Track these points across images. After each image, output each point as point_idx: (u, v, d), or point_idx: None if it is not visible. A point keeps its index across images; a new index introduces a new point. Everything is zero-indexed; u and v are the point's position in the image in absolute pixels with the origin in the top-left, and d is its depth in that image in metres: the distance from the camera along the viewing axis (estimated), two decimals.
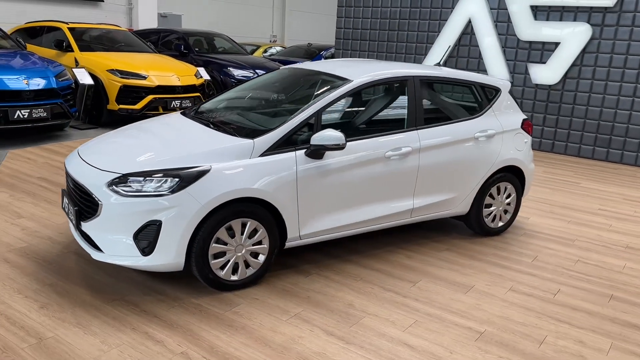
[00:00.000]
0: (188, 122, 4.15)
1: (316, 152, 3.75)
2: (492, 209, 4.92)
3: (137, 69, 9.11)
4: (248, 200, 3.55)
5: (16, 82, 7.26)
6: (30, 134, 8.18)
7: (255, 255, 3.70)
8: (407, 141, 4.24)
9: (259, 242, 3.68)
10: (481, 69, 9.83)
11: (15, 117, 7.23)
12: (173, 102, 9.28)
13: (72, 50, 9.63)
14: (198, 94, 9.76)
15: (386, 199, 4.23)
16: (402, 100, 4.47)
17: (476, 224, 4.89)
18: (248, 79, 10.80)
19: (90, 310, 3.29)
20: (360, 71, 4.29)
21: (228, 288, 3.62)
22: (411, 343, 3.16)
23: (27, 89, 7.33)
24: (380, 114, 4.62)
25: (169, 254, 3.35)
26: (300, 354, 2.98)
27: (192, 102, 9.57)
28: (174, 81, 9.31)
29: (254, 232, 3.63)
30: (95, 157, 3.70)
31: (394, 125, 4.32)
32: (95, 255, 3.46)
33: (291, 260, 4.18)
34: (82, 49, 9.70)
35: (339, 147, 3.74)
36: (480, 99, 4.87)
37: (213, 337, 3.08)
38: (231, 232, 3.53)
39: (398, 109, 4.54)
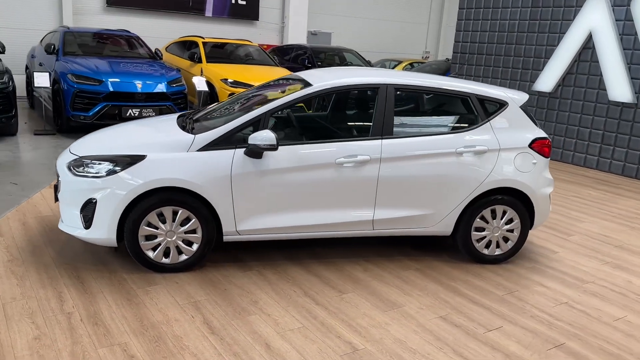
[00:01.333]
0: (171, 121, 4.57)
1: (252, 152, 3.90)
2: (484, 233, 4.47)
3: (246, 79, 9.96)
4: (179, 190, 3.85)
5: (131, 85, 8.55)
6: None
7: (189, 243, 3.97)
8: (366, 150, 4.13)
9: (193, 231, 3.94)
10: (601, 87, 8.69)
11: (128, 114, 8.52)
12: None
13: (201, 62, 10.91)
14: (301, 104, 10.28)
15: (341, 207, 4.16)
16: (389, 107, 4.32)
17: (464, 248, 4.49)
18: None
19: (42, 267, 3.90)
20: (330, 77, 4.31)
21: (158, 269, 3.96)
22: (274, 345, 3.15)
23: (139, 91, 8.59)
24: (345, 120, 4.54)
25: (103, 229, 3.81)
26: (160, 335, 3.17)
27: None
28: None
29: (187, 220, 3.91)
30: (79, 143, 4.34)
31: (358, 133, 4.24)
32: (59, 224, 4.07)
33: (244, 256, 4.35)
34: (210, 60, 10.91)
35: (272, 148, 3.84)
36: (475, 112, 4.47)
37: (105, 307, 3.44)
38: (163, 218, 3.87)
39: (366, 117, 4.42)
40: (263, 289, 3.84)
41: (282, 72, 10.83)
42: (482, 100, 4.50)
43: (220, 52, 11.47)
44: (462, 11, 10.99)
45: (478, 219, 4.43)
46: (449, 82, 4.51)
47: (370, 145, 4.15)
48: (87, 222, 3.84)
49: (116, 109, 8.41)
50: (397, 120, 4.30)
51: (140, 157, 3.83)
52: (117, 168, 3.79)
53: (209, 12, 15.11)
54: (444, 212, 4.35)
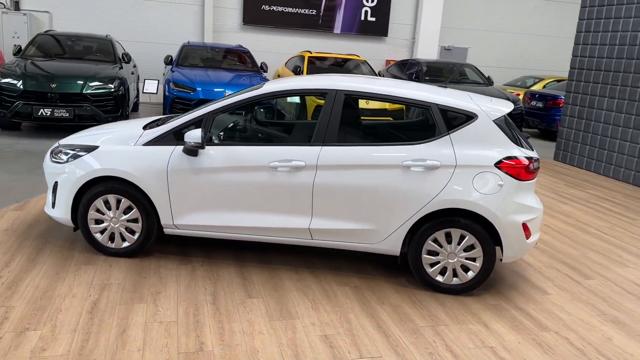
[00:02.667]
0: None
1: (187, 149, 4.06)
2: (438, 258, 4.02)
3: None
4: (123, 181, 4.17)
5: (219, 94, 9.28)
6: None
7: (132, 231, 4.27)
8: (302, 155, 4.01)
9: (135, 220, 4.23)
10: None
11: None
12: None
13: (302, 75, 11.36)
14: (389, 118, 10.12)
15: (276, 211, 4.10)
16: (335, 113, 4.15)
17: (416, 273, 4.08)
18: None
19: (23, 237, 4.52)
20: (285, 82, 4.28)
21: (105, 252, 4.32)
22: (130, 333, 3.25)
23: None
24: (294, 125, 4.41)
25: (61, 209, 4.29)
26: (46, 306, 3.48)
27: None
28: (363, 104, 9.94)
29: (129, 209, 4.21)
30: (76, 134, 4.92)
31: (301, 139, 4.14)
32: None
33: (193, 251, 4.51)
34: (311, 74, 11.30)
35: (198, 146, 3.96)
36: (436, 123, 4.05)
37: (33, 275, 3.88)
38: (109, 205, 4.23)
39: (313, 123, 4.27)
40: (178, 282, 3.95)
41: None
42: (445, 111, 4.06)
43: (324, 67, 11.79)
44: (581, 22, 9.80)
45: (430, 242, 3.99)
46: (408, 90, 4.16)
47: (307, 151, 4.03)
48: (53, 202, 4.35)
49: None
50: (346, 127, 4.10)
51: (94, 148, 4.24)
52: (77, 156, 4.24)
53: (337, 29, 15.60)
54: (389, 229, 4.01)
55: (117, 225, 4.26)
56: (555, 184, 8.04)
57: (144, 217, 4.20)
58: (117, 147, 4.21)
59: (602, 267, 4.84)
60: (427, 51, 16.12)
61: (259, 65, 11.24)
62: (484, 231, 3.92)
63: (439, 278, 4.06)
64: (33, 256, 4.21)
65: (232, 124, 4.35)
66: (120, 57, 10.12)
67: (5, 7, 13.41)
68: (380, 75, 12.83)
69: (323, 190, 4.01)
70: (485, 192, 3.89)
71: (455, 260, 4.01)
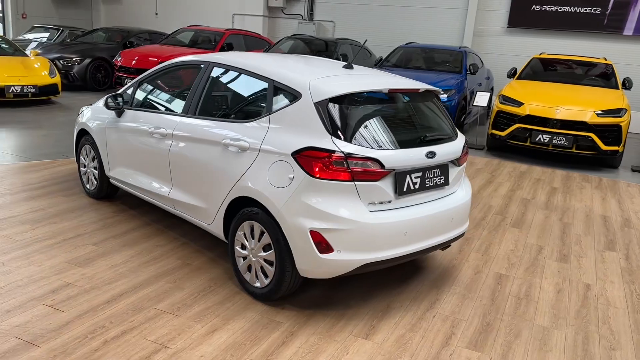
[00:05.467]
0: None
1: (106, 106, 4.67)
2: (245, 252, 3.57)
3: (521, 97, 8.65)
4: (87, 133, 5.13)
5: None
6: None
7: (94, 175, 5.17)
8: (167, 124, 4.16)
9: (95, 168, 5.12)
10: None
11: None
12: (541, 136, 8.27)
13: (514, 77, 10.01)
14: (590, 134, 8.07)
15: (153, 176, 4.35)
16: (201, 85, 4.12)
17: (233, 266, 3.71)
18: None
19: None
20: (185, 57, 4.42)
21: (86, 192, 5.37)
22: None
23: None
24: (179, 95, 4.38)
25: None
26: None
27: (570, 140, 8.10)
28: (552, 113, 8.22)
29: (93, 156, 5.12)
30: None
31: (180, 108, 4.22)
32: None
33: (174, 225, 5.11)
34: (530, 77, 9.83)
35: (115, 107, 4.59)
36: (268, 100, 3.54)
37: None
38: (87, 152, 5.23)
39: (198, 94, 4.16)
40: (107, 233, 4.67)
41: (594, 94, 8.67)
42: (278, 87, 3.52)
43: (551, 70, 10.01)
44: None
45: (239, 232, 3.58)
46: (263, 62, 3.76)
47: (172, 120, 4.15)
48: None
49: None
50: (207, 100, 4.00)
51: (81, 111, 5.34)
52: (81, 112, 5.41)
53: (629, 30, 12.78)
54: (212, 211, 3.78)
55: (87, 170, 5.23)
56: None
57: (99, 165, 5.03)
58: (94, 106, 5.16)
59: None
60: None
61: (467, 66, 10.41)
62: (278, 230, 3.30)
63: (247, 276, 3.59)
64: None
65: (148, 93, 4.70)
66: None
67: (302, 18, 16.07)
68: None
69: (174, 161, 4.07)
70: (276, 183, 3.27)
71: (255, 259, 3.49)
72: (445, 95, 9.18)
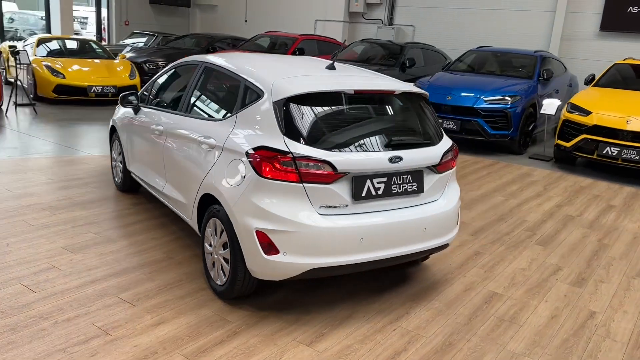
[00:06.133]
0: None
1: (122, 104, 4.93)
2: (211, 250, 3.61)
3: (589, 105, 7.93)
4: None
5: (444, 99, 8.91)
6: None
7: (119, 168, 5.48)
8: (164, 121, 4.32)
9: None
10: None
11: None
12: (609, 148, 7.53)
13: (591, 85, 9.24)
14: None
15: (155, 171, 4.53)
16: (192, 85, 4.23)
17: (204, 264, 3.77)
18: None
19: None
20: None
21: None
22: None
23: (447, 103, 8.86)
24: (178, 93, 4.47)
25: None
26: None
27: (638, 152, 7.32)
28: (623, 124, 7.45)
29: (119, 151, 5.43)
30: None
31: (179, 107, 4.36)
32: None
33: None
34: (606, 85, 9.03)
35: (132, 105, 4.85)
36: (239, 100, 3.55)
37: None
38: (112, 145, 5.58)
39: (190, 92, 4.26)
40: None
41: None
42: (247, 87, 3.52)
43: (634, 77, 9.09)
44: None
45: (208, 229, 3.63)
46: (242, 63, 3.78)
47: (168, 117, 4.30)
48: None
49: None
50: (196, 98, 4.11)
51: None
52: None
53: None
54: (190, 206, 3.87)
55: (115, 163, 5.56)
56: None
57: (123, 159, 5.33)
58: (125, 107, 5.47)
59: None
60: None
61: (540, 72, 9.71)
62: (232, 229, 3.30)
63: (212, 272, 3.62)
64: None
65: (158, 91, 4.86)
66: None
67: (382, 23, 15.93)
68: None
69: (167, 156, 4.22)
70: (231, 182, 3.29)
71: (217, 257, 3.51)
72: (508, 101, 8.65)
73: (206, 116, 3.85)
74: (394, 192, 3.34)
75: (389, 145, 3.33)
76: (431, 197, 3.56)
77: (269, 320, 3.32)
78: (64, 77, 10.32)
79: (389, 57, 11.44)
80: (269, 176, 3.08)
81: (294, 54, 12.35)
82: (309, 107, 3.25)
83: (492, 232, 5.14)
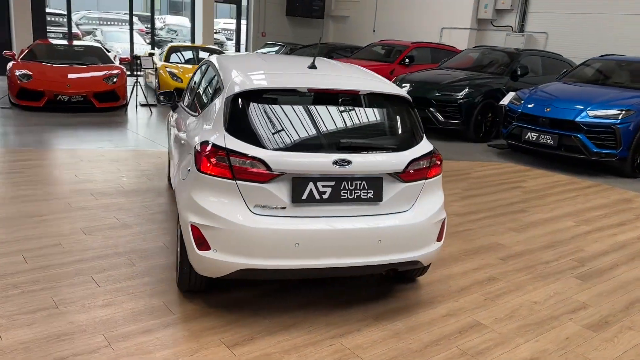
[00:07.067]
0: None
1: (160, 102, 5.23)
2: None
3: None
4: None
5: (542, 111, 8.06)
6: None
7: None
8: (181, 118, 4.50)
9: None
10: None
11: (526, 137, 8.24)
12: None
13: None
14: None
15: (173, 168, 4.75)
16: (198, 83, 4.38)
17: None
18: None
19: None
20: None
21: None
22: None
23: (544, 115, 8.02)
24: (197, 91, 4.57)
25: None
26: None
27: None
28: None
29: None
30: None
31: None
32: None
33: None
34: None
35: (169, 105, 5.15)
36: (211, 97, 3.60)
37: None
38: None
39: (194, 91, 4.39)
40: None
41: None
42: (218, 84, 3.55)
43: None
44: None
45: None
46: (229, 61, 3.80)
47: (183, 114, 4.47)
48: None
49: (526, 131, 8.22)
50: (196, 96, 4.24)
51: None
52: None
53: None
54: None
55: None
56: None
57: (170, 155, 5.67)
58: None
59: None
60: None
61: None
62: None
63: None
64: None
65: (188, 90, 5.04)
66: None
67: (512, 30, 14.92)
68: None
69: (173, 152, 4.40)
70: (182, 176, 3.35)
71: (178, 249, 3.57)
72: (619, 115, 7.52)
73: (195, 113, 3.96)
74: (343, 198, 3.11)
75: (339, 148, 3.12)
76: (395, 208, 3.25)
77: (210, 317, 3.29)
78: (181, 82, 11.29)
79: (500, 65, 10.67)
80: (205, 171, 3.06)
81: (403, 61, 12.10)
82: (257, 104, 3.17)
83: (528, 259, 4.52)
